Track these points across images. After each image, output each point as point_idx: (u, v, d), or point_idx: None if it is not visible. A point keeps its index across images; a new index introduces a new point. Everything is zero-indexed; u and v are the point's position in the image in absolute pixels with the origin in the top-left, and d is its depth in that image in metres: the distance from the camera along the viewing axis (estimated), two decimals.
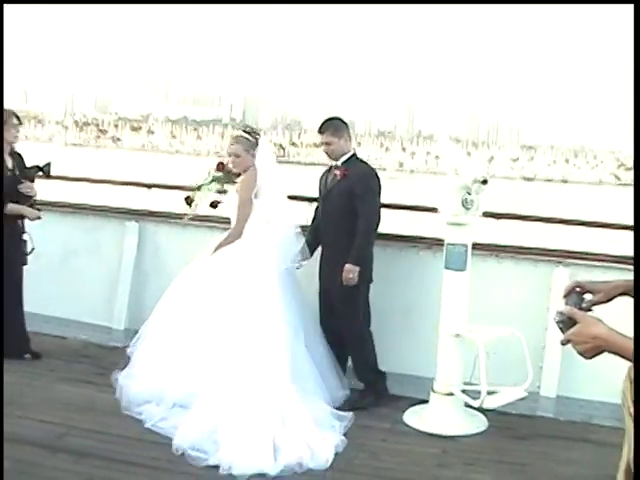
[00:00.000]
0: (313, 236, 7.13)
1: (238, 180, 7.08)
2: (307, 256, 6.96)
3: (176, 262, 8.35)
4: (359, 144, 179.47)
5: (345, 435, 6.18)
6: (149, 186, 9.30)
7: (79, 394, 6.87)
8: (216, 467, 5.60)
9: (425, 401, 6.78)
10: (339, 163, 7.04)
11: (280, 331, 6.42)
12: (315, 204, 7.47)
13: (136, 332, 7.59)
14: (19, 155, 7.65)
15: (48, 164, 7.74)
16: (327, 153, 7.12)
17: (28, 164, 7.71)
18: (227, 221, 7.31)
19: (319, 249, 7.17)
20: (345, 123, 7.22)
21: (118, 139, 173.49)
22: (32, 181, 7.66)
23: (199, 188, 7.23)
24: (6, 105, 7.92)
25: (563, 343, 2.82)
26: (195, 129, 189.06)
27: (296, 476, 5.63)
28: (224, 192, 7.19)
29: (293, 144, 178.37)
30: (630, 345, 2.70)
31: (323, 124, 7.13)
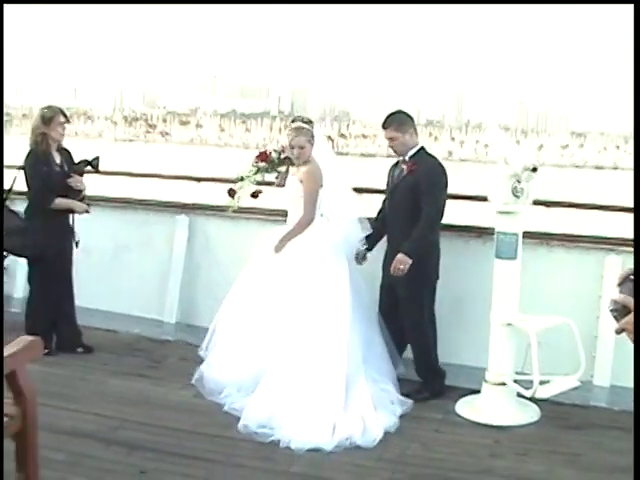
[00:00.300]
0: (378, 229, 7.08)
1: (280, 169, 7.16)
2: (368, 247, 7.04)
3: (227, 255, 8.43)
4: None
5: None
6: (199, 179, 9.34)
7: (131, 387, 6.93)
8: (271, 459, 5.64)
9: (477, 391, 6.73)
10: (406, 158, 6.89)
11: (346, 315, 6.55)
12: (371, 195, 7.54)
13: (187, 325, 7.65)
14: (67, 151, 7.70)
15: (97, 158, 7.77)
16: (392, 149, 6.99)
17: (77, 159, 7.77)
18: (276, 213, 7.33)
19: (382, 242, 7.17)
20: (410, 116, 7.03)
21: (167, 133, 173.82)
22: (81, 175, 7.71)
23: (242, 179, 7.25)
24: (55, 102, 7.98)
25: (617, 332, 2.77)
26: (243, 122, 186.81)
27: (348, 453, 5.77)
28: (266, 183, 7.27)
29: (342, 135, 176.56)
30: None
31: (386, 119, 6.96)
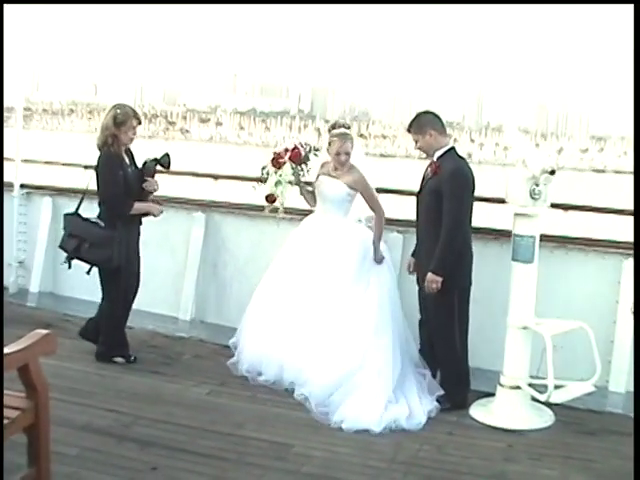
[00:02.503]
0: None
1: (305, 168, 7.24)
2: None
3: (243, 252, 8.41)
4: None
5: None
6: (215, 177, 9.33)
7: (145, 384, 6.93)
8: (283, 459, 5.64)
9: (491, 394, 6.69)
10: (435, 159, 6.76)
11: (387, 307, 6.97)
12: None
13: (202, 322, 7.63)
14: (131, 151, 7.43)
15: (166, 156, 7.41)
16: (420, 150, 6.91)
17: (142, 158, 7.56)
18: (293, 212, 7.37)
19: None
20: (434, 117, 6.84)
21: (187, 131, 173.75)
22: (152, 176, 7.41)
23: (279, 182, 7.17)
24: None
25: None
26: (263, 120, 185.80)
27: (360, 454, 5.78)
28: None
29: (361, 135, 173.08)
30: None
31: (410, 122, 6.86)
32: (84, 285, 8.02)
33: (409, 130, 6.86)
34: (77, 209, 7.33)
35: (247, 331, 7.28)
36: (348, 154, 7.10)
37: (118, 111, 7.19)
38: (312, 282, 7.06)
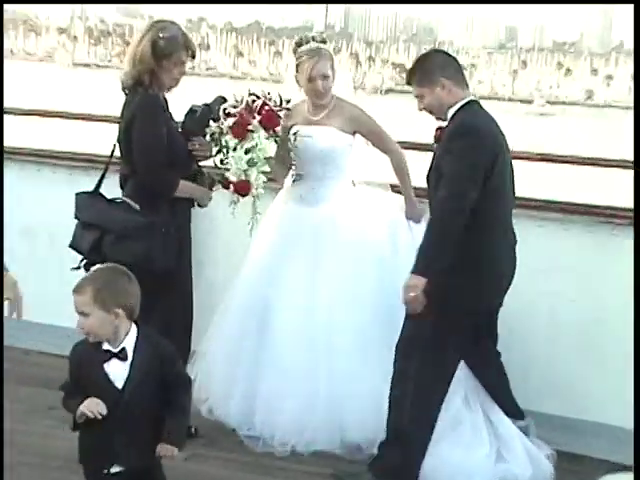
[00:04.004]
0: None
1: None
2: None
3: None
4: (523, 63, 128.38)
5: None
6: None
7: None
8: None
9: (628, 467, 4.65)
10: (448, 120, 4.84)
11: None
12: None
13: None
14: (165, 98, 5.17)
15: (219, 101, 5.17)
16: (426, 111, 4.93)
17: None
18: None
19: None
20: (447, 56, 4.98)
21: None
22: (202, 133, 5.11)
23: (252, 162, 5.00)
24: None
25: None
26: (272, 42, 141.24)
27: None
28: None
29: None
30: None
31: (408, 71, 4.98)
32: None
33: (409, 82, 4.93)
34: (98, 186, 5.09)
35: (222, 363, 5.55)
36: (327, 77, 5.24)
37: (161, 35, 4.98)
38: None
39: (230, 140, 4.99)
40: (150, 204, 4.88)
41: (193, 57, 5.13)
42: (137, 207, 4.89)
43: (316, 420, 5.16)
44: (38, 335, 6.58)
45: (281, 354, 5.28)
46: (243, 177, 5.03)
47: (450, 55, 5.01)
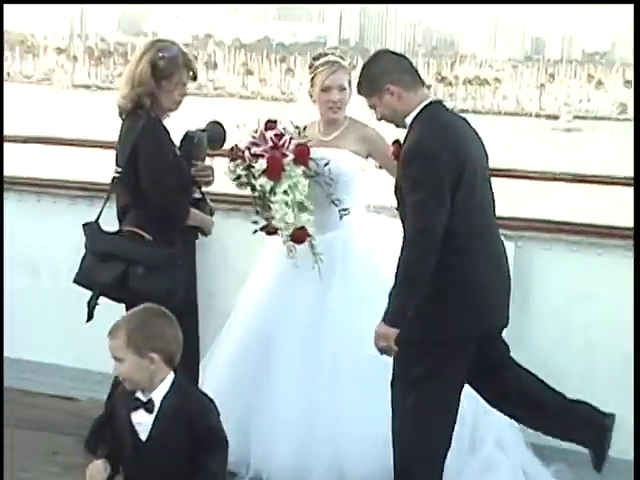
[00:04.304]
0: None
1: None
2: None
3: None
4: (551, 76, 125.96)
5: None
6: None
7: None
8: None
9: None
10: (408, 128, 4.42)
11: None
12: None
13: None
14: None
15: (215, 125, 5.02)
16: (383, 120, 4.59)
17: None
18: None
19: None
20: (394, 56, 4.49)
21: None
22: (203, 159, 4.96)
23: (288, 204, 4.80)
24: None
25: None
26: (283, 59, 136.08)
27: None
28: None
29: (443, 79, 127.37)
30: None
31: (359, 77, 4.54)
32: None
33: (359, 91, 4.56)
34: (98, 217, 4.80)
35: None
36: (343, 89, 4.92)
37: (160, 55, 4.74)
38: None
39: (266, 183, 4.79)
40: (163, 235, 4.64)
41: (195, 78, 4.96)
42: (150, 238, 4.64)
43: (315, 466, 4.87)
44: (36, 375, 6.17)
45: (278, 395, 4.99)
46: (290, 221, 4.82)
47: (397, 54, 4.60)
